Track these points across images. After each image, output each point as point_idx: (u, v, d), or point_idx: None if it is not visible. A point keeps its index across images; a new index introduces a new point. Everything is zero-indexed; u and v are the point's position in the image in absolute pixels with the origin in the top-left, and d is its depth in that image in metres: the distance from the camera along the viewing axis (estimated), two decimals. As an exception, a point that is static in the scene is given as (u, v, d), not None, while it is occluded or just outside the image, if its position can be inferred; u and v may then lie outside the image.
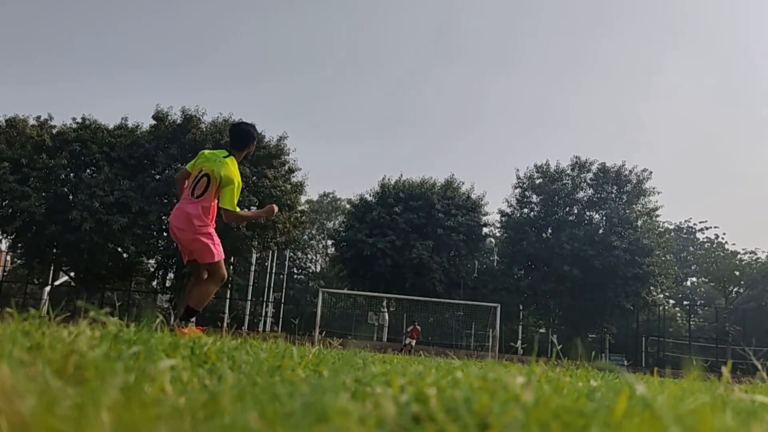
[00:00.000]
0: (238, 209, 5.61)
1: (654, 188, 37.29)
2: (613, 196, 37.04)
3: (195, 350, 1.83)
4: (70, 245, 30.16)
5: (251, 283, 40.43)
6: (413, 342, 26.88)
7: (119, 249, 32.12)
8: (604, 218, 36.55)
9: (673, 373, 9.23)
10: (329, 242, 52.20)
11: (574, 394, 1.48)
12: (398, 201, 36.10)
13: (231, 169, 5.57)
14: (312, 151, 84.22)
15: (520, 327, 40.73)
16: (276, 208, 5.98)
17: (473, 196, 37.64)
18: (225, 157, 5.64)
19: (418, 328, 28.23)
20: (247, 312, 39.97)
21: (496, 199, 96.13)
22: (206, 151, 5.81)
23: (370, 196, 37.73)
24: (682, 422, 0.95)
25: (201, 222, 5.51)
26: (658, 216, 37.54)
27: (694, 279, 57.91)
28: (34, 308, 2.11)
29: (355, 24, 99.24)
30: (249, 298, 40.66)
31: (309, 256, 60.33)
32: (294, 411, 0.89)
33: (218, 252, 5.60)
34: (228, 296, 39.41)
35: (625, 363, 34.68)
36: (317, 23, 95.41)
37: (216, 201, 5.58)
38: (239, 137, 5.81)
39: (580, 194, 37.19)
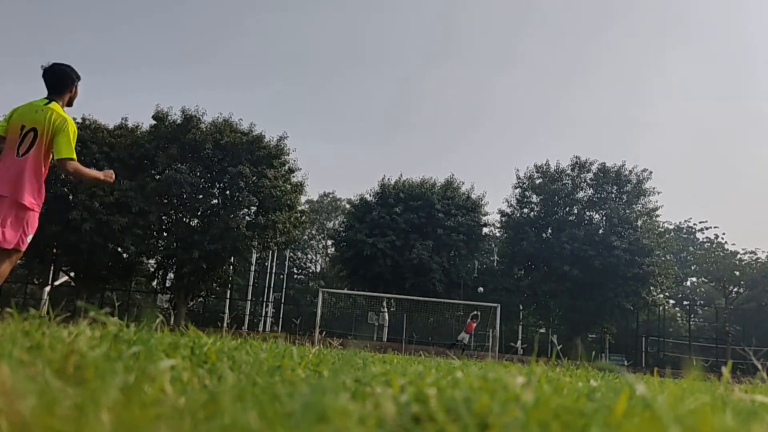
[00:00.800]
0: (75, 159, 4.74)
1: (654, 188, 37.31)
2: (613, 196, 37.02)
3: (195, 350, 1.83)
4: (70, 245, 30.16)
5: (251, 283, 40.44)
6: (466, 338, 25.56)
7: (119, 249, 32.12)
8: (604, 218, 36.53)
9: (673, 373, 9.23)
10: (329, 242, 52.20)
11: (574, 394, 1.47)
12: (398, 201, 36.10)
13: (59, 113, 4.78)
14: (312, 151, 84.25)
15: (520, 327, 40.74)
16: (113, 175, 5.15)
17: (473, 196, 37.64)
18: (46, 104, 4.80)
19: (473, 323, 25.91)
20: (247, 312, 39.98)
21: (496, 199, 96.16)
22: (19, 107, 4.87)
23: (370, 196, 37.74)
24: (682, 422, 0.95)
25: (34, 196, 4.66)
26: (658, 216, 37.54)
27: (694, 279, 57.89)
28: (34, 308, 2.11)
29: (355, 24, 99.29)
30: (249, 298, 40.66)
31: (309, 256, 60.34)
32: (294, 411, 0.89)
33: (26, 241, 4.65)
34: (228, 296, 39.42)
35: (625, 363, 34.67)
36: (317, 23, 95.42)
37: (45, 160, 4.72)
38: (58, 79, 4.95)
39: (580, 194, 37.18)
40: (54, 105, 4.84)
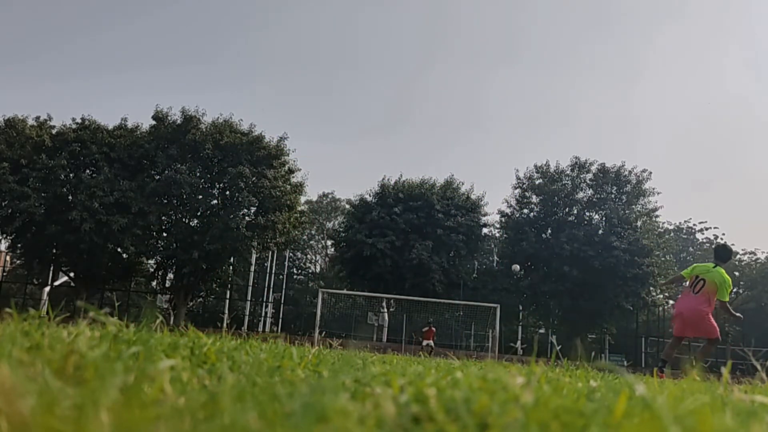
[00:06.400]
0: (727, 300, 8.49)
1: (654, 189, 37.29)
2: (612, 196, 37.01)
3: (194, 350, 1.83)
4: (69, 245, 30.16)
5: (251, 283, 40.43)
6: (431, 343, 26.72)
7: (119, 249, 32.13)
8: (604, 219, 36.52)
9: (672, 374, 9.24)
10: (329, 242, 52.19)
11: (573, 395, 1.47)
12: (398, 201, 36.09)
13: (722, 275, 8.38)
14: (312, 151, 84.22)
15: (520, 327, 40.71)
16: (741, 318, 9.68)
17: (473, 197, 37.64)
18: (714, 267, 8.53)
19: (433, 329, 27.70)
20: (247, 312, 39.98)
21: (495, 199, 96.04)
22: (698, 265, 8.81)
23: (369, 196, 37.72)
24: (682, 422, 0.95)
25: (708, 311, 8.34)
26: (657, 216, 37.55)
27: (694, 279, 57.84)
28: (34, 308, 2.11)
29: (354, 24, 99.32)
30: (248, 298, 40.66)
31: (308, 256, 60.31)
32: (294, 411, 0.89)
33: (715, 330, 8.42)
34: (228, 296, 39.42)
35: (625, 363, 34.69)
36: (317, 23, 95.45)
37: (709, 299, 8.35)
38: (724, 255, 8.83)
39: (580, 195, 37.16)
40: (719, 269, 8.47)
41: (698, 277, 8.52)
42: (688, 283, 8.73)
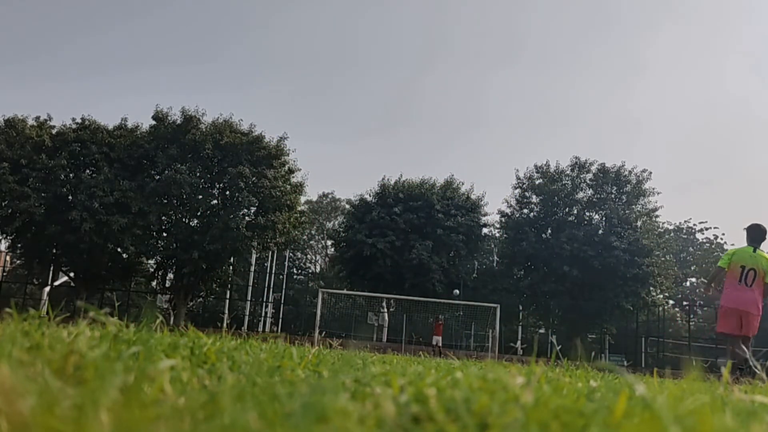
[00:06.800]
0: None
1: (654, 189, 37.28)
2: (612, 196, 37.00)
3: (194, 350, 1.83)
4: (69, 245, 30.16)
5: (251, 283, 40.43)
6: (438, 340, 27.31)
7: (119, 249, 32.12)
8: (604, 219, 36.52)
9: (672, 374, 9.24)
10: (329, 242, 52.16)
11: (573, 395, 1.47)
12: (398, 201, 36.09)
13: (766, 257, 8.00)
14: (312, 151, 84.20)
15: (520, 327, 40.72)
16: None
17: (473, 197, 37.63)
18: (754, 251, 8.04)
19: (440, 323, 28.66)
20: (247, 312, 39.98)
21: (495, 199, 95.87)
22: (736, 251, 8.21)
23: (369, 196, 37.71)
24: (682, 422, 0.95)
25: (758, 308, 7.91)
26: (657, 216, 37.54)
27: (694, 279, 57.87)
28: (34, 308, 2.11)
29: (354, 24, 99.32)
30: (248, 298, 40.66)
31: (308, 256, 60.32)
32: (294, 411, 0.89)
33: (756, 330, 8.01)
34: (228, 296, 39.41)
35: (625, 363, 34.68)
36: (318, 23, 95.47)
37: (761, 288, 7.93)
38: (761, 236, 8.13)
39: (580, 195, 37.15)
40: (761, 253, 7.99)
41: (745, 267, 7.88)
42: (728, 273, 8.07)
